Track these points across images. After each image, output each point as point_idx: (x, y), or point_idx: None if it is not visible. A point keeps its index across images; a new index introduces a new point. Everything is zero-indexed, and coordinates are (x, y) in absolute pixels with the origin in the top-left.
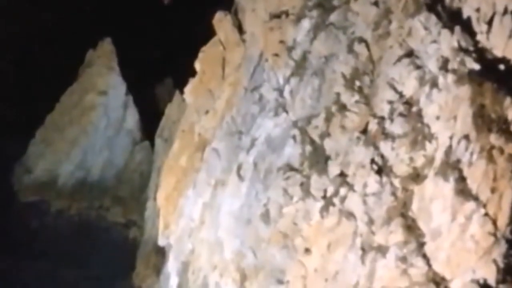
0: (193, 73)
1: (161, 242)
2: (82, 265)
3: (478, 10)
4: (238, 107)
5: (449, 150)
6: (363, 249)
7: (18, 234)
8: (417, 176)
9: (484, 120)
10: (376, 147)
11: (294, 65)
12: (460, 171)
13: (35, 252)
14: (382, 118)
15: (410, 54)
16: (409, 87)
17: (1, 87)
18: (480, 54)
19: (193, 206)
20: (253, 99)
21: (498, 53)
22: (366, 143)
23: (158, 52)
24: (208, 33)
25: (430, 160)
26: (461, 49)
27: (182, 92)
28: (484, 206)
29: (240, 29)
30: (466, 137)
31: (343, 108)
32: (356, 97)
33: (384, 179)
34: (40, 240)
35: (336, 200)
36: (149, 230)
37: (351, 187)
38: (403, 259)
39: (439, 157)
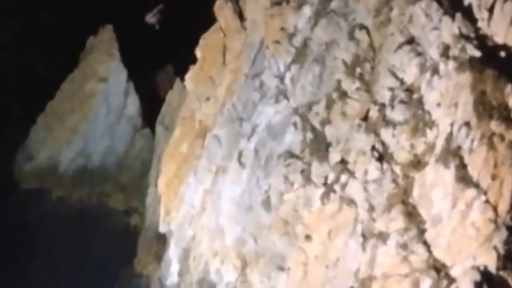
0: (193, 60)
1: (162, 228)
2: (83, 251)
3: None
4: (238, 94)
5: (449, 137)
6: (363, 236)
7: (19, 221)
8: (418, 163)
9: (485, 107)
10: (377, 134)
11: (295, 52)
12: (461, 158)
13: (36, 238)
14: (383, 105)
15: (411, 41)
16: (410, 74)
17: (1, 75)
18: (481, 41)
19: (194, 193)
20: (254, 86)
21: (499, 40)
22: (367, 130)
23: (159, 39)
24: (209, 20)
25: (430, 147)
26: (462, 36)
27: (183, 79)
28: (485, 193)
29: (240, 16)
30: (467, 124)
31: (344, 95)
32: (357, 84)
33: (385, 166)
34: (41, 227)
35: (337, 187)
36: (150, 217)
37: (352, 174)
38: (404, 246)
39: (439, 144)
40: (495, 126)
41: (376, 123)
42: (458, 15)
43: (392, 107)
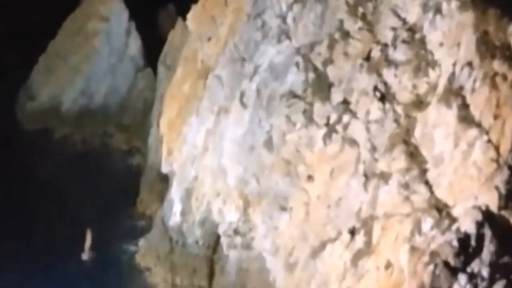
0: None
1: (164, 169)
2: (85, 191)
3: None
4: (241, 34)
5: (452, 77)
6: (365, 176)
7: (22, 161)
8: (420, 103)
9: (487, 47)
10: (379, 74)
11: None
12: (463, 98)
13: (38, 179)
14: (385, 45)
15: None
16: (413, 13)
17: (1, 16)
18: None
19: (196, 133)
20: (256, 26)
21: None
22: (369, 70)
23: None
24: None
25: (433, 87)
26: None
27: (184, 19)
28: (487, 132)
29: None
30: (469, 64)
31: (346, 35)
32: (359, 24)
33: (387, 106)
34: (43, 167)
35: (339, 127)
36: (152, 157)
37: (354, 114)
38: (406, 186)
39: (442, 84)
40: (497, 65)
41: (379, 63)
42: None
43: (395, 47)
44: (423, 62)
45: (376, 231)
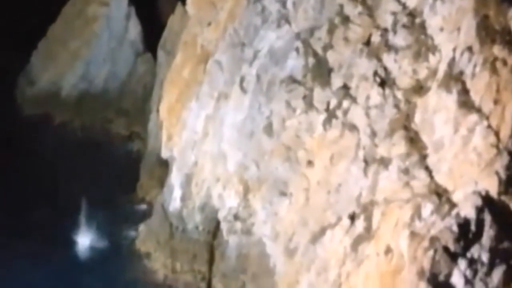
0: None
1: (164, 154)
2: (85, 177)
3: None
4: (240, 18)
5: (452, 62)
6: (365, 161)
7: (22, 146)
8: (420, 88)
9: (487, 32)
10: (379, 59)
11: None
12: (463, 83)
13: (38, 164)
14: (385, 30)
15: None
16: None
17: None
18: None
19: (196, 118)
20: (256, 11)
21: None
22: (369, 55)
23: None
24: None
25: (433, 72)
26: None
27: (184, 4)
28: (487, 118)
29: None
30: (470, 48)
31: (346, 19)
32: (359, 8)
33: (387, 91)
34: (43, 152)
35: (339, 113)
36: (152, 142)
37: (354, 99)
38: (406, 171)
39: (442, 69)
40: (497, 50)
41: (379, 48)
42: None
43: (395, 31)
44: (423, 47)
45: (376, 217)
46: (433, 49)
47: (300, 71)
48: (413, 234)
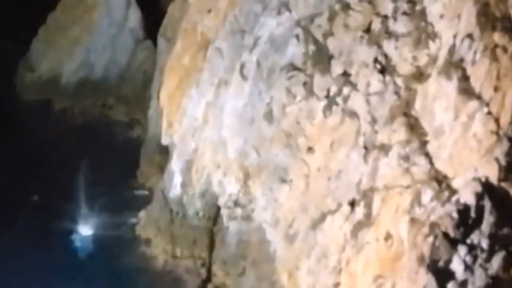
0: None
1: (164, 141)
2: (85, 163)
3: None
4: (241, 5)
5: (452, 49)
6: (366, 148)
7: (21, 133)
8: (420, 75)
9: (488, 19)
10: (380, 46)
11: None
12: (464, 70)
13: (38, 150)
14: (386, 17)
15: None
16: None
17: None
18: None
19: (196, 105)
20: None
21: None
22: (370, 42)
23: None
24: None
25: (433, 59)
26: None
27: None
28: (487, 104)
29: None
30: (470, 35)
31: (346, 7)
32: None
33: (387, 78)
34: (43, 139)
35: (339, 99)
36: (153, 129)
37: (354, 86)
38: (406, 158)
39: (442, 56)
40: (498, 37)
41: (379, 35)
42: None
43: (395, 18)
44: (423, 34)
45: (376, 203)
46: (434, 36)
47: (300, 58)
48: (413, 221)
